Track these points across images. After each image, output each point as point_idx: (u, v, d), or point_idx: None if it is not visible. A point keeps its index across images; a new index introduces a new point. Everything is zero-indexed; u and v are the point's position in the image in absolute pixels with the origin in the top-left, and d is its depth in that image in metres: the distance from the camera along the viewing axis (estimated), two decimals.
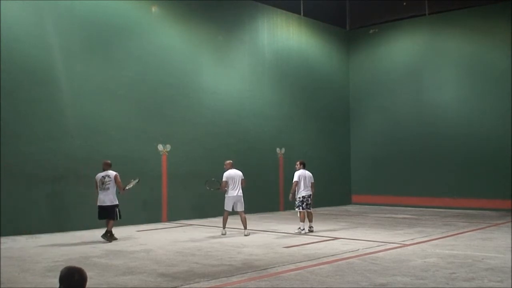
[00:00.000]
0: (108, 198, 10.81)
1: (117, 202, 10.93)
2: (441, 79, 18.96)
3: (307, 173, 12.15)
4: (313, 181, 12.14)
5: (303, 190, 11.92)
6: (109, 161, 11.18)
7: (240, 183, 11.70)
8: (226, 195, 11.72)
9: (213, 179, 12.53)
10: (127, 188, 11.28)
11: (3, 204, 11.35)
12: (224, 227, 11.76)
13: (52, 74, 12.52)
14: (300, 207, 11.89)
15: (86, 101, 13.06)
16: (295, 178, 12.02)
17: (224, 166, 11.97)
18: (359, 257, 8.53)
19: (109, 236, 10.69)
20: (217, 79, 16.33)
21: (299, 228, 11.91)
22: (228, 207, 11.70)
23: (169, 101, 14.94)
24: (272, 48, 18.26)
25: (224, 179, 11.73)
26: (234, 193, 11.63)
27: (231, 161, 12.08)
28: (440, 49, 19.02)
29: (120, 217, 10.97)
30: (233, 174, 11.72)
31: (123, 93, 13.82)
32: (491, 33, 18.05)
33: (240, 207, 11.68)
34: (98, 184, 10.93)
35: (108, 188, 10.81)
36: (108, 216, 10.86)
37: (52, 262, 8.33)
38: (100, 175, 10.98)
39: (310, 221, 12.13)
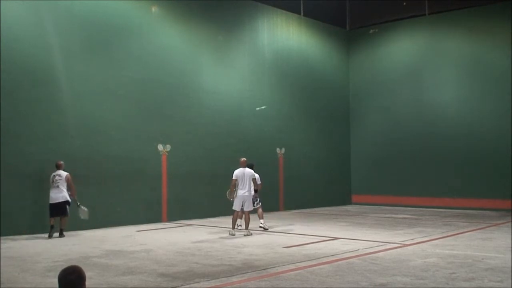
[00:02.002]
0: (60, 195, 11.31)
1: (68, 199, 11.36)
2: (441, 79, 18.96)
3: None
4: (255, 177, 11.99)
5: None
6: (60, 162, 11.61)
7: (249, 182, 11.65)
8: (236, 195, 11.67)
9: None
10: (79, 206, 11.58)
11: (3, 204, 11.35)
12: (233, 227, 11.69)
13: (52, 74, 12.52)
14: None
15: (86, 101, 13.06)
16: (233, 177, 11.79)
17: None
18: (359, 257, 8.52)
19: (62, 234, 11.22)
20: (217, 79, 16.33)
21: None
22: (236, 206, 11.69)
23: (169, 101, 14.94)
24: (272, 48, 18.26)
25: (233, 177, 11.70)
26: (242, 193, 11.60)
27: (245, 159, 12.01)
28: (440, 49, 19.02)
29: (68, 214, 11.39)
30: (241, 173, 11.68)
31: (123, 93, 13.82)
32: (491, 33, 18.05)
33: (247, 206, 11.66)
34: (50, 183, 11.45)
35: (58, 186, 11.34)
36: (59, 213, 11.31)
37: (52, 262, 8.33)
38: (52, 174, 11.50)
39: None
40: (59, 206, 11.29)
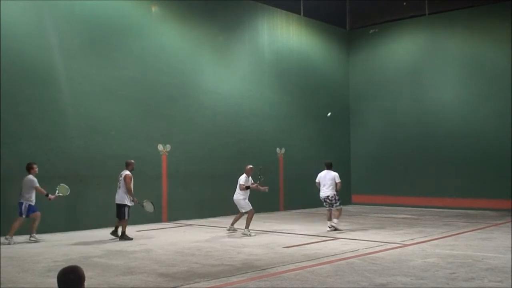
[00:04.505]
0: (118, 196, 11.13)
1: (125, 202, 11.06)
2: (441, 79, 18.96)
3: (329, 174, 12.36)
4: (338, 181, 12.26)
5: (320, 191, 12.37)
6: (127, 161, 11.44)
7: (238, 187, 11.99)
8: None
9: (260, 167, 12.59)
10: (141, 204, 11.50)
11: (3, 204, 11.34)
12: (232, 224, 12.13)
13: (52, 74, 12.52)
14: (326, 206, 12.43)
15: (86, 101, 13.07)
16: (316, 179, 12.53)
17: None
18: (359, 257, 8.52)
19: (124, 237, 10.90)
20: (217, 79, 16.33)
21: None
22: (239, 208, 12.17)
23: (169, 101, 14.94)
24: (272, 48, 18.26)
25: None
26: (234, 196, 12.05)
27: (251, 167, 12.25)
28: (440, 49, 19.02)
29: (127, 217, 11.06)
30: (239, 178, 12.13)
31: (123, 93, 13.82)
32: (491, 33, 18.05)
33: (244, 209, 11.98)
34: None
35: (119, 187, 11.16)
36: (117, 214, 11.13)
37: (52, 262, 8.33)
38: (120, 172, 11.33)
39: (329, 219, 12.35)
40: (117, 207, 11.09)
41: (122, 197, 11.06)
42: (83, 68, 13.07)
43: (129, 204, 11.12)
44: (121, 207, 11.06)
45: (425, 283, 6.59)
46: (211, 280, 6.94)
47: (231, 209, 12.42)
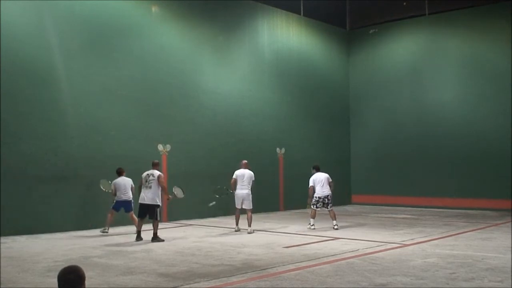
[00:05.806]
0: (148, 196, 10.74)
1: (158, 203, 10.80)
2: (441, 79, 18.96)
3: (322, 175, 12.63)
4: (331, 180, 12.62)
5: (319, 191, 12.49)
6: (155, 161, 11.41)
7: (249, 182, 12.09)
8: (235, 193, 12.16)
9: (218, 186, 12.89)
10: (176, 196, 11.63)
11: (3, 204, 11.34)
12: (236, 224, 12.16)
13: (52, 74, 12.52)
14: (314, 206, 12.56)
15: (86, 101, 13.06)
16: (310, 183, 12.62)
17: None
18: (359, 257, 8.52)
19: (157, 238, 10.64)
20: (217, 79, 16.33)
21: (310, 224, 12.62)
22: (237, 204, 12.15)
23: (169, 101, 14.94)
24: (272, 48, 18.25)
25: (233, 176, 12.20)
26: (241, 191, 12.03)
27: (246, 161, 12.51)
28: (440, 49, 19.02)
29: (159, 218, 10.86)
30: (242, 173, 12.14)
31: (123, 93, 13.82)
32: (491, 33, 18.05)
33: (247, 205, 12.06)
34: (142, 182, 10.93)
35: (150, 187, 10.77)
36: (148, 215, 10.79)
37: (52, 262, 8.33)
38: (145, 173, 11.02)
39: (313, 217, 12.61)
40: (148, 208, 10.72)
41: (154, 197, 10.74)
42: (83, 68, 13.07)
43: (161, 204, 10.93)
44: (153, 208, 10.71)
45: (425, 283, 6.59)
46: (211, 280, 6.94)
47: (231, 209, 12.45)
